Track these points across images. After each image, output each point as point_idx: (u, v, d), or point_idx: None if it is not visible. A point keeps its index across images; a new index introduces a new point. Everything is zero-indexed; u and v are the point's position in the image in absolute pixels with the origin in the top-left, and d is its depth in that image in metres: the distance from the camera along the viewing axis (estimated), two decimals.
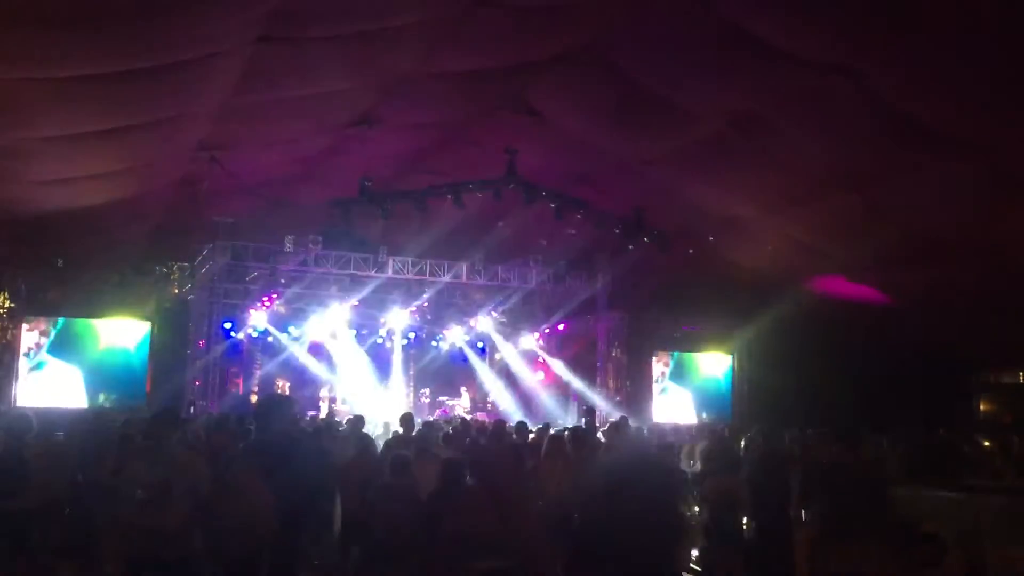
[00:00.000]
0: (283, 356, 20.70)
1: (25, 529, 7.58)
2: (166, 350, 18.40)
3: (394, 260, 18.51)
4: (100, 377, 18.03)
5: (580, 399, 21.13)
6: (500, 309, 21.74)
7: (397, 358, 22.12)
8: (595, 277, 20.66)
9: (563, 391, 22.17)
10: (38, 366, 17.59)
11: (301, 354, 20.78)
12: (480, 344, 23.49)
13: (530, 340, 22.88)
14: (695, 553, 8.28)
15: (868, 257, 16.69)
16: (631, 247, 17.64)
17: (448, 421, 15.56)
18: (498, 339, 23.08)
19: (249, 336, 20.15)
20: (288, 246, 17.46)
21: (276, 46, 10.15)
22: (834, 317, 19.35)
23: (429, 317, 22.37)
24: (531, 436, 11.13)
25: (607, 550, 5.89)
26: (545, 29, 11.63)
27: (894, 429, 13.42)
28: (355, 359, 21.23)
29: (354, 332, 21.42)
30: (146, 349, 18.53)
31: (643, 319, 21.98)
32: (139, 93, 10.45)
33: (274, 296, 19.61)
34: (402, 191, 16.12)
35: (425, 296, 20.65)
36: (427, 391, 22.88)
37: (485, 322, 22.16)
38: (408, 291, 20.52)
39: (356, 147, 14.80)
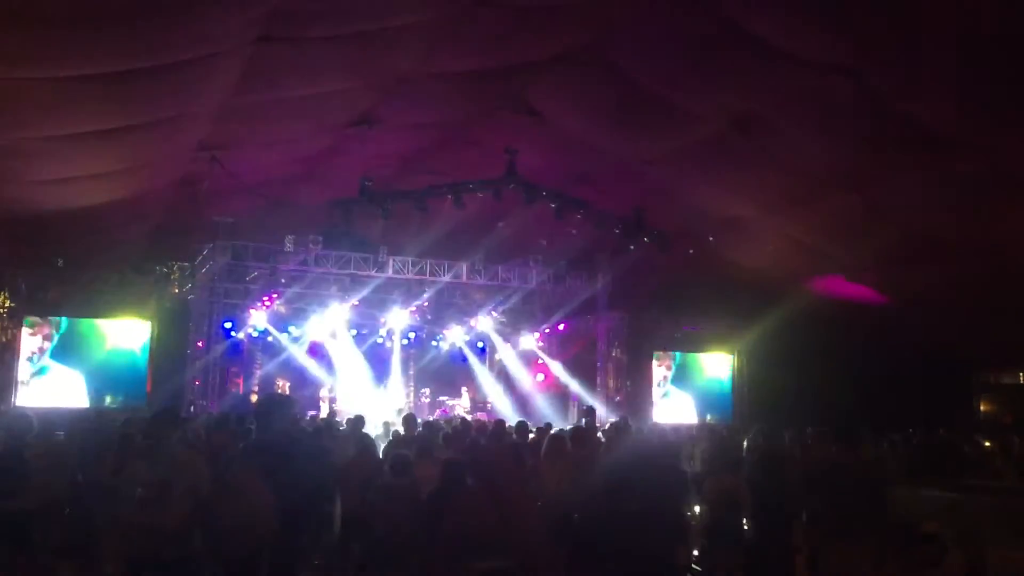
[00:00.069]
0: (283, 356, 20.70)
1: (25, 529, 7.59)
2: (166, 350, 18.39)
3: (394, 260, 18.49)
4: (105, 379, 18.00)
5: (580, 399, 21.14)
6: (500, 309, 21.74)
7: (396, 358, 22.11)
8: (595, 277, 20.65)
9: (562, 393, 22.18)
10: (41, 371, 17.57)
11: (300, 355, 20.77)
12: (480, 344, 23.49)
13: (530, 340, 22.89)
14: (695, 553, 8.28)
15: (868, 257, 16.69)
16: (631, 247, 17.64)
17: (448, 421, 15.55)
18: (497, 340, 23.08)
19: (249, 336, 20.14)
20: (288, 246, 17.44)
21: (276, 46, 10.15)
22: (834, 317, 19.36)
23: (429, 317, 22.37)
24: (531, 436, 11.12)
25: (607, 549, 5.89)
26: (545, 29, 11.63)
27: (894, 429, 13.44)
28: (355, 359, 21.22)
29: (354, 332, 21.42)
30: (148, 349, 18.54)
31: (643, 319, 21.96)
32: (139, 93, 10.44)
33: (274, 296, 19.61)
34: (402, 191, 16.11)
35: (425, 296, 20.65)
36: (427, 391, 22.87)
37: (485, 322, 22.17)
38: (408, 291, 20.52)
39: (356, 147, 14.80)
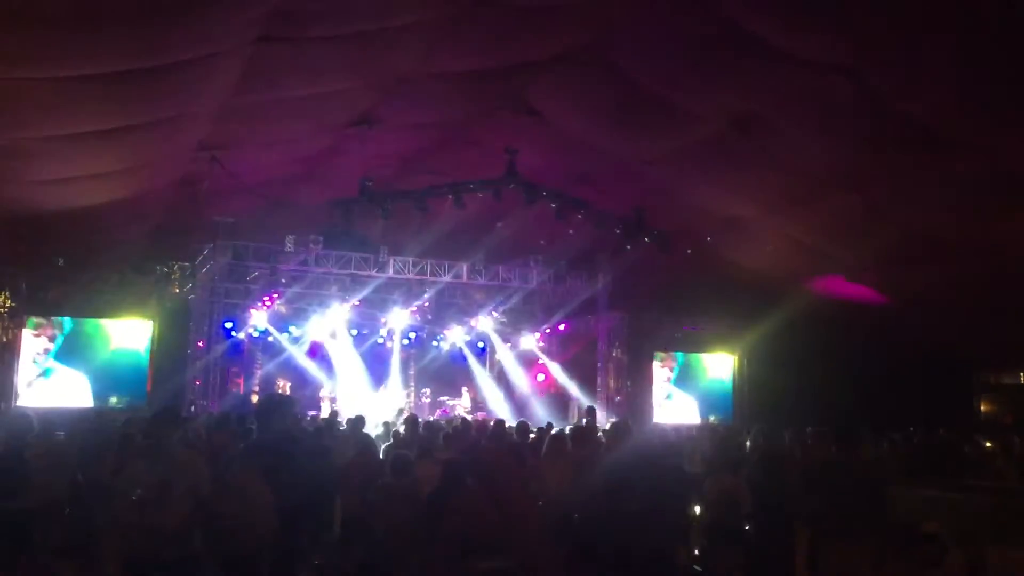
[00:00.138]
0: (284, 356, 20.71)
1: (26, 529, 7.59)
2: (167, 350, 18.39)
3: (395, 260, 18.50)
4: (109, 379, 17.97)
5: (579, 400, 21.14)
6: (501, 309, 21.74)
7: (396, 358, 22.12)
8: (596, 277, 20.66)
9: (562, 394, 22.17)
10: (45, 373, 17.57)
11: (300, 355, 20.78)
12: (480, 344, 23.49)
13: (531, 340, 22.87)
14: (696, 553, 8.28)
15: (868, 257, 16.69)
16: (631, 247, 17.63)
17: (449, 421, 15.55)
18: (497, 341, 23.07)
19: (250, 336, 20.15)
20: (289, 246, 17.44)
21: (276, 46, 10.15)
22: (835, 317, 19.36)
23: (430, 317, 22.36)
24: (532, 436, 11.12)
25: (608, 549, 5.90)
26: (545, 29, 11.63)
27: (895, 429, 13.43)
28: (354, 359, 21.22)
29: (355, 332, 21.42)
30: (148, 349, 18.53)
31: (644, 319, 21.95)
32: (139, 93, 10.44)
33: (275, 296, 19.61)
34: (402, 191, 16.11)
35: (426, 296, 20.66)
36: (428, 391, 22.87)
37: (486, 322, 22.17)
38: (409, 291, 20.52)
39: (356, 147, 14.80)
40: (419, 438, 10.22)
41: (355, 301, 19.93)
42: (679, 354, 22.94)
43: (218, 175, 14.41)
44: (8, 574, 7.49)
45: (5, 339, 17.14)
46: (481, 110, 14.83)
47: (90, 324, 18.09)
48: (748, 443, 10.79)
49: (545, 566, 6.61)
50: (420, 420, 13.43)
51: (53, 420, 9.46)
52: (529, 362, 23.20)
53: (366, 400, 20.13)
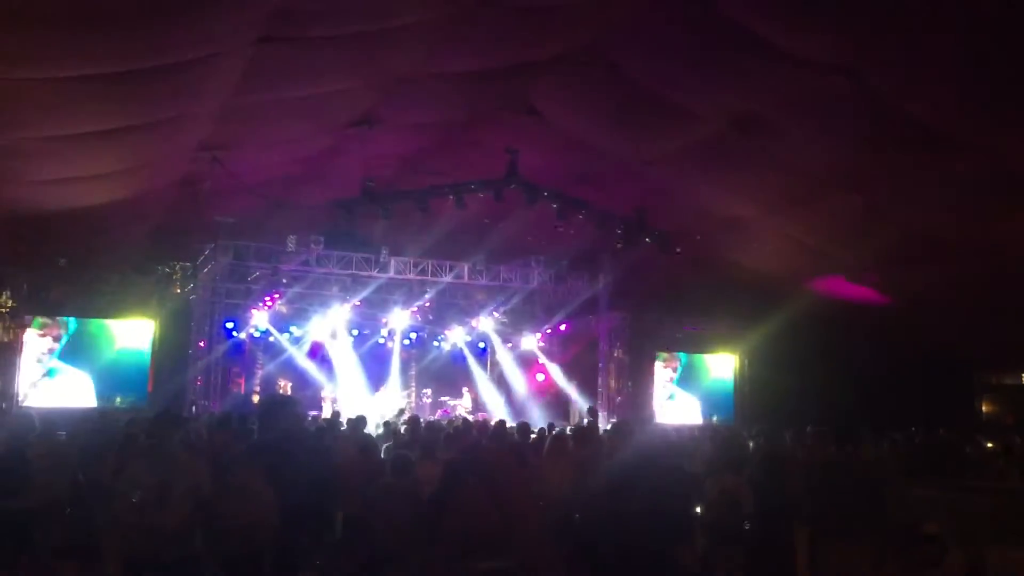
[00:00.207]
0: (285, 356, 20.73)
1: (27, 529, 7.60)
2: (168, 350, 18.40)
3: (396, 260, 18.51)
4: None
5: (582, 399, 21.15)
6: (502, 310, 21.75)
7: (396, 358, 22.12)
8: (597, 277, 20.65)
9: (561, 397, 22.18)
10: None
11: (300, 357, 20.79)
12: (481, 344, 23.49)
13: (531, 340, 22.87)
14: (697, 553, 8.28)
15: (869, 257, 16.68)
16: (631, 247, 17.62)
17: (450, 421, 15.56)
18: (497, 343, 23.07)
19: (251, 336, 20.18)
20: (290, 246, 17.44)
21: (277, 46, 10.15)
22: (836, 318, 19.36)
23: (431, 317, 22.38)
24: (533, 436, 11.13)
25: (609, 549, 5.90)
26: (545, 29, 11.64)
27: (895, 430, 13.43)
28: (355, 360, 21.23)
29: (356, 332, 21.44)
30: (159, 349, 18.56)
31: (645, 319, 21.94)
32: (140, 93, 10.46)
33: (276, 296, 19.62)
34: (403, 191, 16.12)
35: (427, 296, 20.66)
36: (429, 391, 22.88)
37: (487, 322, 22.17)
38: (410, 291, 20.53)
39: (357, 147, 14.80)
40: (420, 438, 10.23)
41: (356, 301, 19.94)
42: (682, 354, 22.92)
43: (219, 175, 14.41)
44: (9, 574, 7.50)
45: (7, 339, 17.16)
46: (482, 110, 14.83)
47: (95, 324, 18.10)
48: (749, 443, 10.80)
49: (546, 566, 6.61)
50: (421, 420, 13.46)
51: (55, 420, 9.47)
52: (530, 363, 23.20)
53: (367, 400, 20.16)
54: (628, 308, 21.45)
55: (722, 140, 13.79)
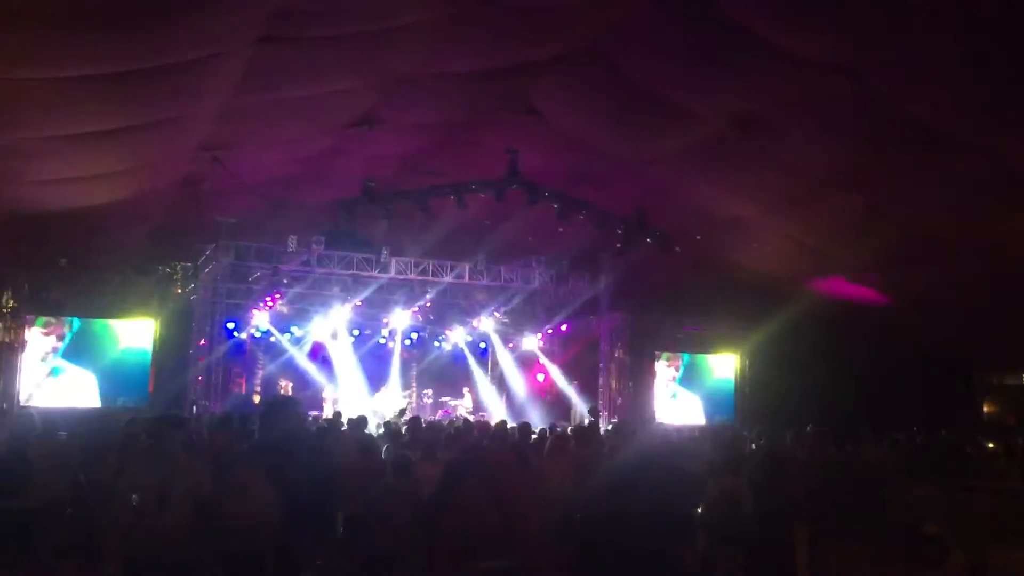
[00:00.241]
0: (286, 356, 20.74)
1: (27, 529, 7.61)
2: (169, 350, 18.40)
3: (397, 260, 18.49)
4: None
5: (584, 400, 21.15)
6: (503, 310, 21.74)
7: (397, 359, 22.13)
8: (598, 278, 20.64)
9: (561, 397, 22.18)
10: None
11: (300, 357, 20.80)
12: (482, 345, 23.49)
13: (532, 341, 22.87)
14: (698, 553, 8.28)
15: (870, 258, 16.68)
16: (632, 248, 17.62)
17: (451, 422, 15.56)
18: (497, 344, 23.06)
19: (252, 336, 20.18)
20: (291, 246, 17.42)
21: (277, 47, 10.16)
22: (837, 318, 19.35)
23: (432, 317, 22.38)
24: (534, 437, 11.12)
25: (610, 549, 5.90)
26: (545, 29, 11.64)
27: (896, 430, 13.42)
28: (355, 360, 21.22)
29: (357, 332, 21.44)
30: (160, 349, 18.58)
31: (646, 320, 21.93)
32: (140, 94, 10.46)
33: (277, 296, 19.62)
34: (404, 191, 16.12)
35: (428, 296, 20.66)
36: (430, 392, 22.88)
37: (487, 323, 22.17)
38: (411, 291, 20.53)
39: (358, 148, 14.82)
40: (421, 439, 10.23)
41: (357, 302, 19.94)
42: (685, 355, 22.93)
43: (220, 175, 14.42)
44: (10, 574, 7.50)
45: (8, 340, 17.17)
46: (482, 110, 14.83)
47: (98, 323, 18.13)
48: (750, 443, 10.81)
49: (547, 567, 6.62)
50: (422, 421, 13.45)
51: (56, 420, 9.48)
52: (531, 363, 23.20)
53: (368, 401, 20.17)
54: (629, 308, 21.44)
55: (722, 140, 13.79)
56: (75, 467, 8.47)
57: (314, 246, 17.43)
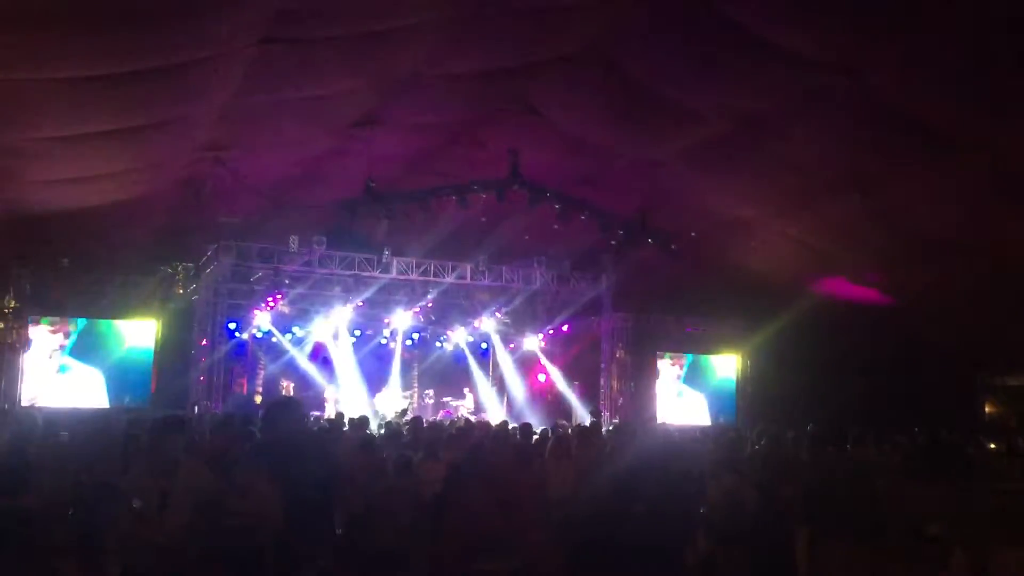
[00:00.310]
0: (288, 357, 20.74)
1: (28, 528, 7.61)
2: (171, 350, 18.43)
3: (398, 261, 18.50)
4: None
5: (585, 400, 21.15)
6: (504, 310, 21.74)
7: (397, 359, 22.12)
8: (599, 278, 20.64)
9: (563, 398, 22.18)
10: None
11: (301, 358, 20.80)
12: (484, 345, 23.48)
13: (534, 341, 22.86)
14: (699, 553, 8.27)
15: (872, 258, 16.67)
16: (633, 248, 17.63)
17: (453, 422, 15.56)
18: (498, 345, 23.05)
19: (253, 336, 20.18)
20: (292, 247, 17.43)
21: (280, 47, 10.17)
22: (838, 318, 19.34)
23: (433, 318, 22.37)
24: (535, 437, 11.12)
25: (613, 550, 5.90)
26: (547, 30, 11.64)
27: (897, 430, 13.41)
28: (356, 360, 21.22)
29: (358, 333, 21.43)
30: (162, 349, 18.62)
31: (647, 320, 21.94)
32: (143, 94, 10.47)
33: (278, 297, 19.62)
34: (406, 192, 16.13)
35: (429, 297, 20.66)
36: (431, 392, 22.88)
37: (489, 323, 22.16)
38: (412, 292, 20.53)
39: (360, 148, 14.81)
40: (423, 439, 10.23)
41: (358, 302, 19.94)
42: (689, 355, 22.93)
43: (221, 176, 14.43)
44: (12, 573, 7.51)
45: (9, 340, 17.19)
46: (484, 111, 14.84)
47: (104, 322, 18.19)
48: (751, 444, 10.79)
49: (549, 567, 6.61)
50: (424, 421, 13.45)
51: (58, 420, 9.50)
52: (532, 363, 23.19)
53: (369, 401, 20.18)
54: (630, 309, 21.45)
55: (724, 141, 13.80)
56: (77, 467, 8.47)
57: (315, 246, 17.43)
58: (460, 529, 6.21)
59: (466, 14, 10.62)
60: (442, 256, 18.87)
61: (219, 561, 5.88)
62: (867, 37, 10.47)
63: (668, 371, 22.56)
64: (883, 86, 11.45)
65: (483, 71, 12.86)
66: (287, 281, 19.04)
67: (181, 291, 18.94)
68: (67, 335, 17.71)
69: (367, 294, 19.51)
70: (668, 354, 22.60)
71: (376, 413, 18.53)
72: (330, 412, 18.10)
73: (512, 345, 23.11)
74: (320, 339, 21.02)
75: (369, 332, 21.77)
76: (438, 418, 18.97)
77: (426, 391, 22.93)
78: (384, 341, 22.18)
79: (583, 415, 19.75)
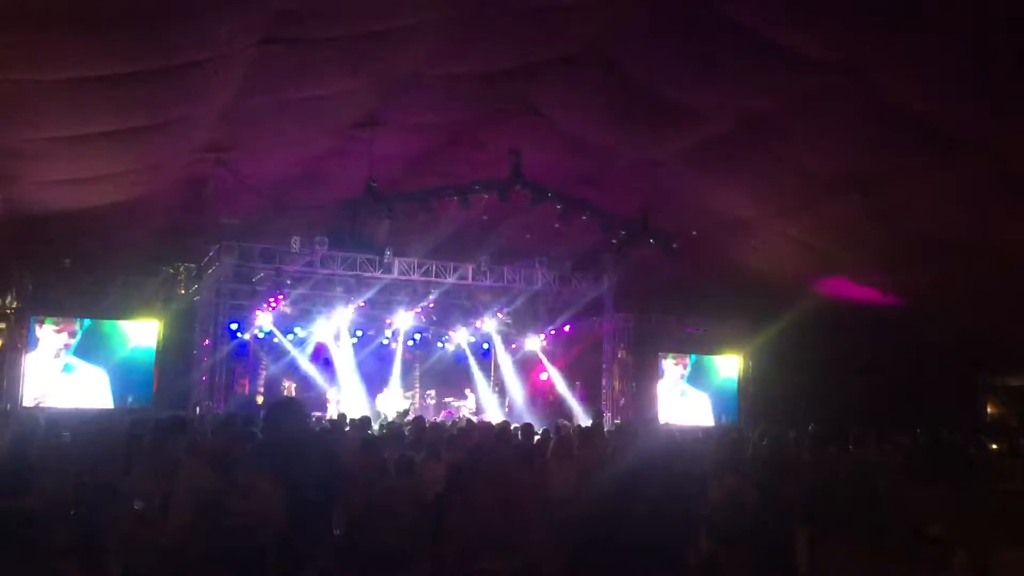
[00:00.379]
0: (289, 357, 20.76)
1: (30, 529, 7.61)
2: (173, 351, 18.45)
3: (400, 261, 18.51)
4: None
5: (587, 401, 21.15)
6: (506, 311, 21.75)
7: (398, 359, 22.13)
8: (601, 279, 20.64)
9: (564, 399, 22.18)
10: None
11: (302, 359, 20.81)
12: (485, 346, 23.49)
13: (535, 342, 22.87)
14: (701, 554, 8.27)
15: (873, 258, 16.65)
16: (634, 248, 17.63)
17: (454, 423, 15.57)
18: (498, 346, 23.05)
19: (255, 337, 20.20)
20: (294, 247, 17.45)
21: (280, 48, 10.18)
22: (840, 319, 19.33)
23: (435, 318, 22.38)
24: (537, 437, 11.13)
25: (614, 550, 5.90)
26: (549, 30, 11.64)
27: (899, 430, 13.40)
28: (358, 361, 21.23)
29: (360, 333, 21.44)
30: (164, 350, 18.65)
31: (649, 321, 21.94)
32: (145, 95, 10.48)
33: (280, 297, 19.64)
34: (408, 192, 16.14)
35: (431, 297, 20.67)
36: (432, 392, 22.88)
37: (490, 324, 22.17)
38: (414, 292, 20.54)
39: (361, 149, 14.82)
40: (425, 439, 10.24)
41: (360, 302, 19.95)
42: (693, 356, 22.93)
43: (224, 176, 14.44)
44: (14, 574, 7.51)
45: (11, 340, 17.20)
46: (485, 111, 14.84)
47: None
48: (753, 444, 10.79)
49: (551, 567, 6.61)
50: (427, 422, 13.45)
51: (60, 421, 9.50)
52: (534, 364, 23.19)
53: (371, 401, 20.19)
54: (632, 309, 21.45)
55: (726, 141, 13.80)
56: (79, 468, 8.48)
57: (317, 247, 17.45)
58: (462, 529, 6.21)
59: (466, 14, 10.62)
60: (444, 256, 18.88)
61: (220, 561, 5.89)
62: (867, 37, 10.47)
63: (672, 371, 22.54)
64: (883, 86, 11.44)
65: (483, 71, 12.86)
66: (289, 282, 19.05)
67: (183, 292, 18.96)
68: (72, 334, 17.73)
69: (369, 294, 19.54)
70: (670, 354, 22.59)
71: (378, 414, 18.55)
72: (332, 413, 18.10)
73: (514, 345, 23.12)
74: (322, 339, 21.03)
75: (371, 332, 21.79)
76: (440, 419, 18.99)
77: (427, 392, 22.95)
78: (386, 341, 22.20)
79: (583, 416, 19.77)
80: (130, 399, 17.67)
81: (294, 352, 20.71)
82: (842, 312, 18.93)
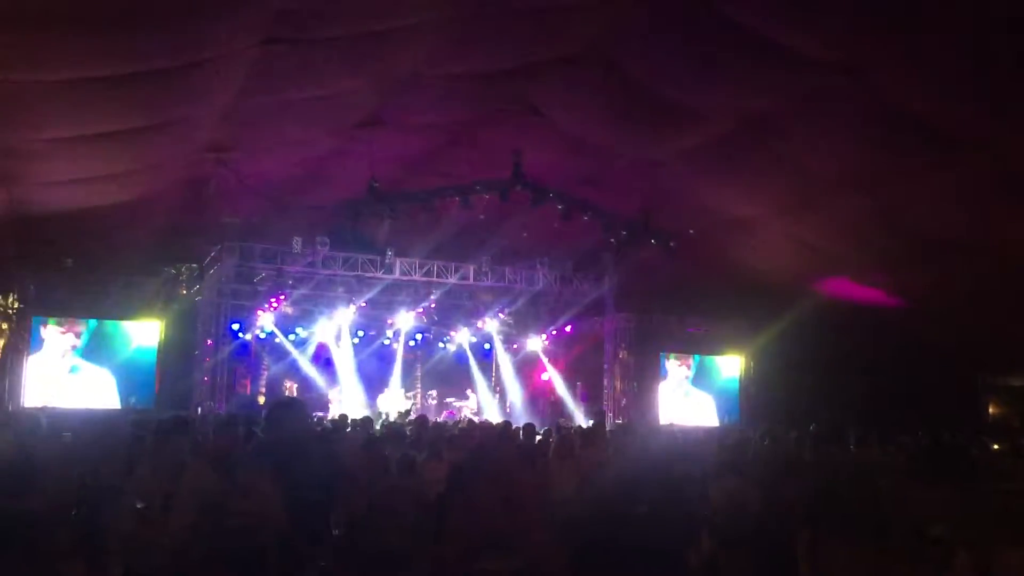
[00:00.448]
0: (291, 357, 20.77)
1: (32, 530, 7.61)
2: (174, 351, 18.47)
3: (401, 261, 18.53)
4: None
5: (588, 401, 21.16)
6: (507, 311, 21.75)
7: (399, 360, 22.14)
8: (602, 279, 20.65)
9: (564, 400, 22.18)
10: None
11: (303, 360, 20.82)
12: (487, 346, 23.49)
13: (537, 342, 22.87)
14: (703, 554, 8.27)
15: (876, 259, 16.64)
16: (634, 248, 17.63)
17: (456, 423, 15.58)
18: (499, 346, 23.05)
19: (257, 337, 20.21)
20: (296, 247, 17.46)
21: (282, 48, 10.17)
22: (842, 319, 19.32)
23: (436, 319, 22.39)
24: (538, 437, 11.13)
25: (615, 551, 5.90)
26: (549, 30, 11.64)
27: (900, 431, 13.40)
28: (359, 361, 21.24)
29: (361, 333, 21.46)
30: (166, 350, 18.66)
31: (650, 321, 21.95)
32: (146, 95, 10.49)
33: (281, 297, 19.66)
34: (409, 192, 16.15)
35: (432, 298, 20.67)
36: (434, 392, 22.89)
37: (492, 324, 22.17)
38: (415, 293, 20.55)
39: (363, 149, 14.82)
40: (426, 439, 10.25)
41: (361, 303, 19.96)
42: (696, 356, 22.92)
43: (225, 177, 14.44)
44: (14, 575, 7.51)
45: (12, 340, 17.21)
46: (486, 111, 14.83)
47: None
48: (754, 444, 10.78)
49: (552, 567, 6.61)
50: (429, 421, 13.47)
51: (61, 421, 9.50)
52: (535, 364, 23.20)
53: (372, 401, 20.20)
54: (633, 309, 21.46)
55: (727, 141, 13.78)
56: (81, 469, 8.48)
57: (319, 247, 17.46)
58: (463, 528, 6.21)
59: (466, 14, 10.61)
60: (445, 257, 18.90)
61: (222, 561, 5.89)
62: (867, 37, 10.46)
63: (676, 371, 22.56)
64: (884, 86, 11.43)
65: (483, 71, 12.85)
66: (290, 282, 19.08)
67: (185, 292, 18.98)
68: (78, 335, 17.76)
69: (370, 295, 19.56)
70: (673, 355, 22.58)
71: (379, 414, 18.56)
72: (334, 413, 18.11)
73: (515, 346, 23.13)
74: (323, 340, 21.04)
75: (372, 333, 21.81)
76: (441, 419, 19.00)
77: (429, 392, 22.97)
78: (387, 342, 22.21)
79: (583, 416, 19.78)
80: (132, 400, 17.69)
81: (295, 353, 20.72)
82: (843, 312, 18.92)
